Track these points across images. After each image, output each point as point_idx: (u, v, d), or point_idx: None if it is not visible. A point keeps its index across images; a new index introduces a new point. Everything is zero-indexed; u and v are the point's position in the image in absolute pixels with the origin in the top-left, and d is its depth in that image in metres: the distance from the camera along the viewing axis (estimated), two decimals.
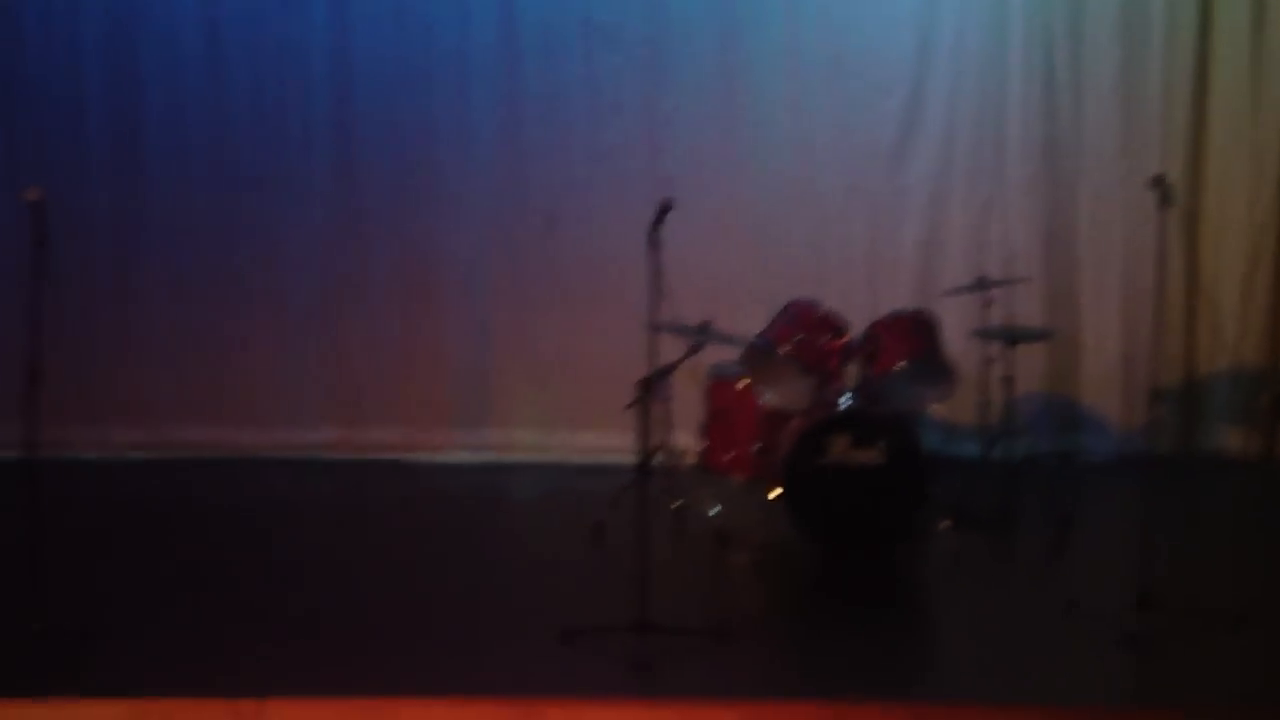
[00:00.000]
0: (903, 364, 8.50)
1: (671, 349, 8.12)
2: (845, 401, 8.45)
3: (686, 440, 9.09)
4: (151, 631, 7.22)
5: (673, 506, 8.84)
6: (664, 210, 7.68)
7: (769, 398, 8.59)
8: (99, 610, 7.41)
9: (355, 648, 7.08)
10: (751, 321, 8.97)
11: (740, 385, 8.76)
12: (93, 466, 9.78)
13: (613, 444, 9.51)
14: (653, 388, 7.41)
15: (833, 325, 8.68)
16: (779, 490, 8.38)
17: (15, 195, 7.15)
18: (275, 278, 10.41)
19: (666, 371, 8.18)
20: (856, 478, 8.28)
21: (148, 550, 8.48)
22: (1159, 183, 7.39)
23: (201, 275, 10.40)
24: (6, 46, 10.23)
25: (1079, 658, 7.03)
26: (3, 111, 10.26)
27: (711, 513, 8.64)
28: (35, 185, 7.12)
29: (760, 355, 8.59)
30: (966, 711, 6.39)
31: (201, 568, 8.22)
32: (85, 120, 10.28)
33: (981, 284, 9.03)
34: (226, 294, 10.40)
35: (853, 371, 8.74)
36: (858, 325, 8.80)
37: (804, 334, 8.59)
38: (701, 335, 8.38)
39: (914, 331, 8.65)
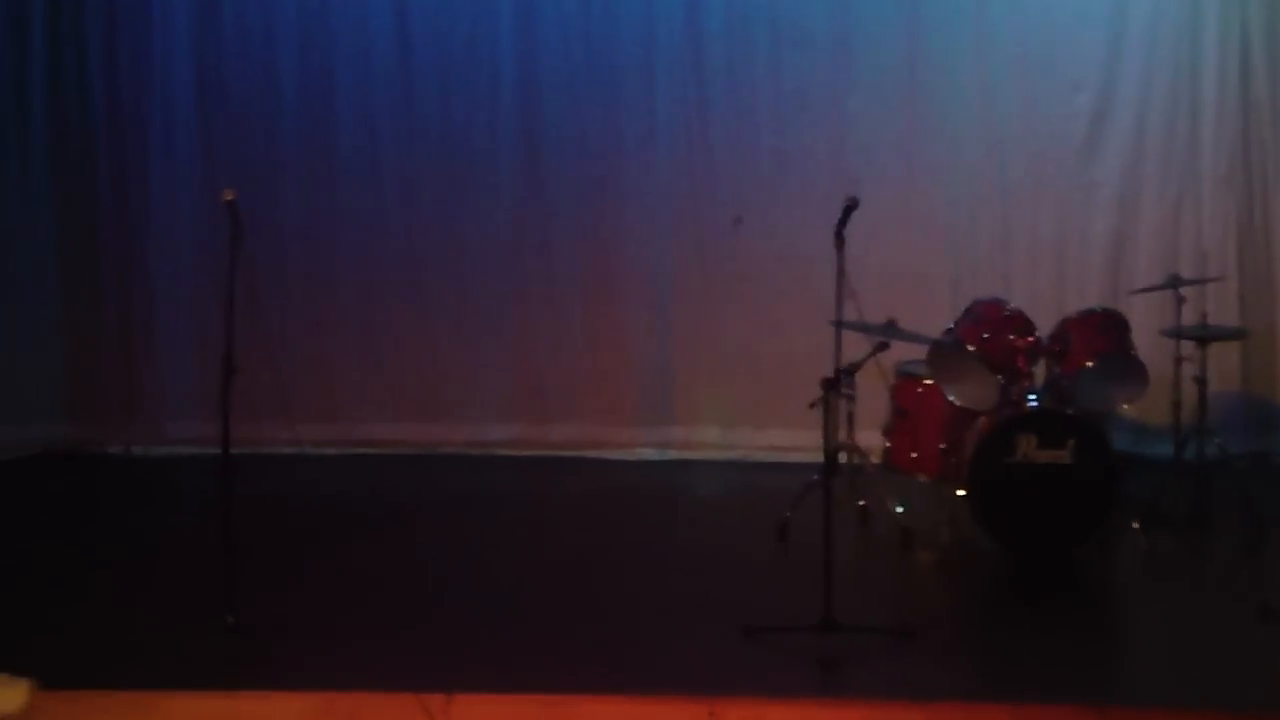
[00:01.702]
0: (1092, 363, 8.38)
1: (856, 347, 8.09)
2: (1033, 400, 8.35)
3: (871, 439, 9.04)
4: (340, 626, 7.33)
5: (858, 505, 8.80)
6: (850, 208, 7.68)
7: (955, 396, 8.52)
8: (290, 605, 7.53)
9: (539, 644, 7.13)
10: (937, 319, 8.89)
11: (926, 384, 8.69)
12: (283, 462, 9.93)
13: (797, 442, 9.51)
14: (838, 386, 7.38)
15: (1020, 323, 8.58)
16: (965, 489, 8.30)
17: (213, 197, 7.29)
18: (462, 277, 10.52)
19: (852, 369, 8.15)
20: (1043, 477, 8.17)
21: (337, 546, 8.61)
22: None
23: (390, 274, 10.54)
24: (207, 54, 10.45)
25: (1272, 664, 6.89)
26: (202, 116, 10.48)
27: (897, 511, 8.59)
28: (230, 187, 7.27)
29: (946, 353, 8.52)
30: (1155, 716, 6.29)
31: (389, 563, 8.33)
32: (280, 124, 10.47)
33: (1173, 282, 8.88)
34: (414, 293, 10.53)
35: (1041, 370, 8.63)
36: (1046, 324, 8.69)
37: (991, 332, 8.50)
38: (887, 333, 8.33)
39: (1104, 330, 8.52)
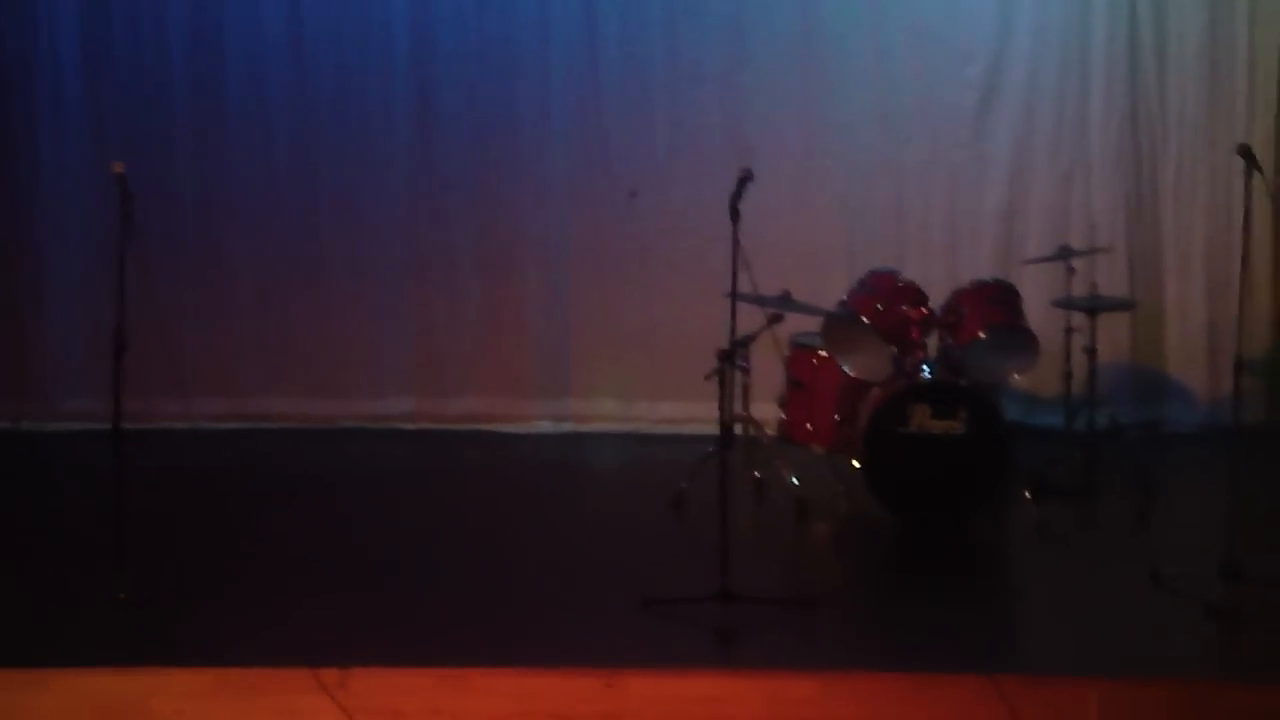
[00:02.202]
0: (984, 334, 8.45)
1: (751, 319, 8.11)
2: (926, 371, 8.41)
3: (767, 410, 9.07)
4: (235, 601, 7.28)
5: (753, 477, 8.84)
6: (744, 180, 7.66)
7: (849, 367, 8.57)
8: (183, 580, 7.48)
9: (436, 617, 7.13)
10: (832, 291, 8.94)
11: (820, 355, 8.74)
12: (176, 436, 9.85)
13: (693, 414, 9.51)
14: (733, 358, 7.40)
15: (913, 295, 8.64)
16: (860, 460, 8.35)
17: (103, 169, 7.21)
18: (356, 249, 10.46)
19: (746, 341, 8.18)
20: (937, 448, 8.24)
21: (231, 520, 8.55)
22: (1245, 150, 7.32)
23: (284, 247, 10.47)
24: (94, 25, 10.30)
25: (1162, 630, 6.99)
26: (90, 87, 10.34)
27: (792, 483, 8.63)
28: (120, 159, 7.19)
29: (841, 325, 8.57)
30: (1048, 683, 6.36)
31: (284, 538, 8.28)
32: (170, 95, 10.35)
33: (1064, 253, 8.97)
34: (308, 265, 10.46)
35: (934, 341, 8.70)
36: (939, 295, 8.75)
37: (884, 304, 8.55)
38: (781, 305, 8.36)
39: (995, 301, 8.59)
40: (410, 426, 10.45)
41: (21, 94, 10.34)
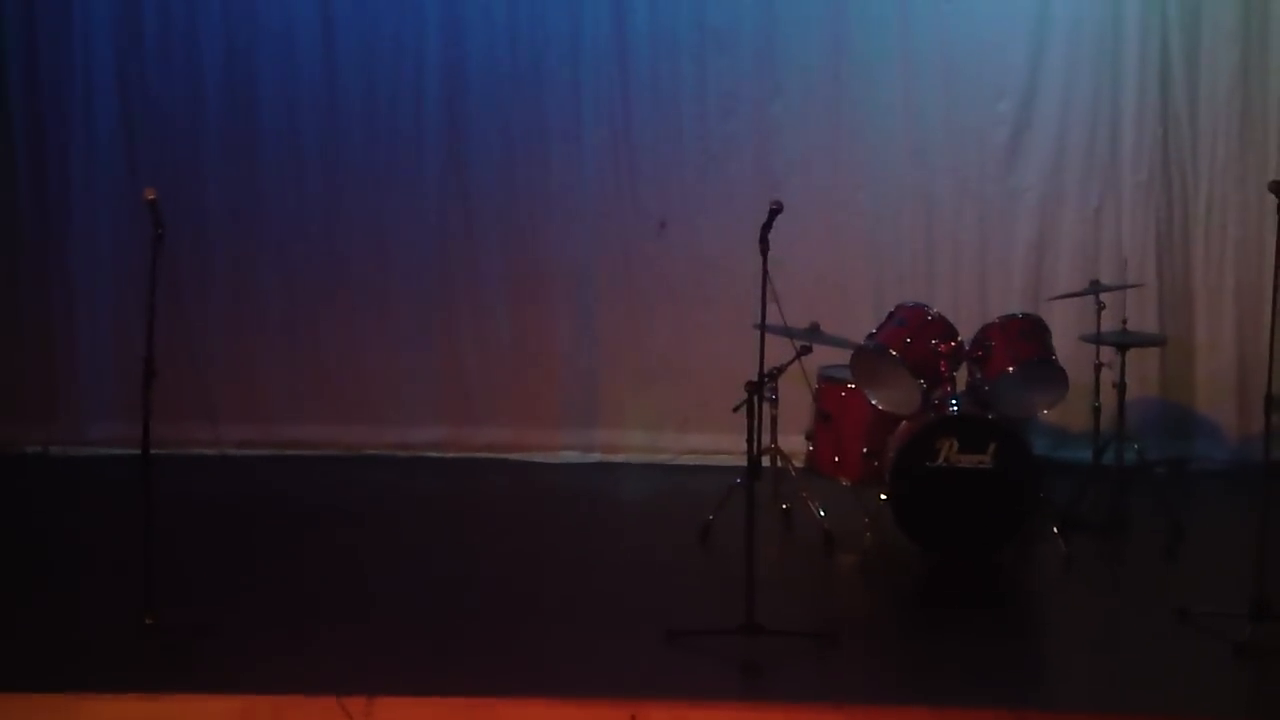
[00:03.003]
0: (1013, 368, 8.44)
1: (780, 351, 8.11)
2: (954, 405, 8.40)
3: (794, 443, 9.06)
4: (261, 628, 7.29)
5: (780, 509, 8.83)
6: (774, 212, 7.68)
7: (878, 400, 8.56)
8: (211, 606, 7.48)
9: (461, 646, 7.12)
10: (860, 324, 8.93)
11: (849, 388, 8.73)
12: (204, 463, 9.87)
13: (720, 445, 9.53)
14: (761, 389, 7.40)
15: (942, 329, 8.62)
16: (887, 493, 8.34)
17: (134, 195, 7.24)
18: (386, 277, 10.49)
19: (775, 374, 8.17)
20: (965, 481, 8.22)
21: (258, 547, 8.57)
22: (1276, 187, 7.29)
23: (313, 274, 10.50)
24: (126, 50, 10.36)
25: (1191, 667, 6.95)
26: (122, 113, 10.39)
27: (820, 515, 8.61)
28: (152, 185, 7.22)
29: (869, 358, 8.56)
30: None
31: (310, 565, 8.29)
32: (202, 122, 10.40)
33: (1093, 288, 8.96)
34: (338, 293, 10.49)
35: (962, 375, 8.68)
36: (968, 329, 8.74)
37: (913, 337, 8.54)
38: (810, 337, 8.36)
39: (1025, 336, 8.58)
40: (438, 455, 10.46)
41: (54, 120, 10.39)
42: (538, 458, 10.42)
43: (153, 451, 7.15)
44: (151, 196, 7.11)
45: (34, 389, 10.51)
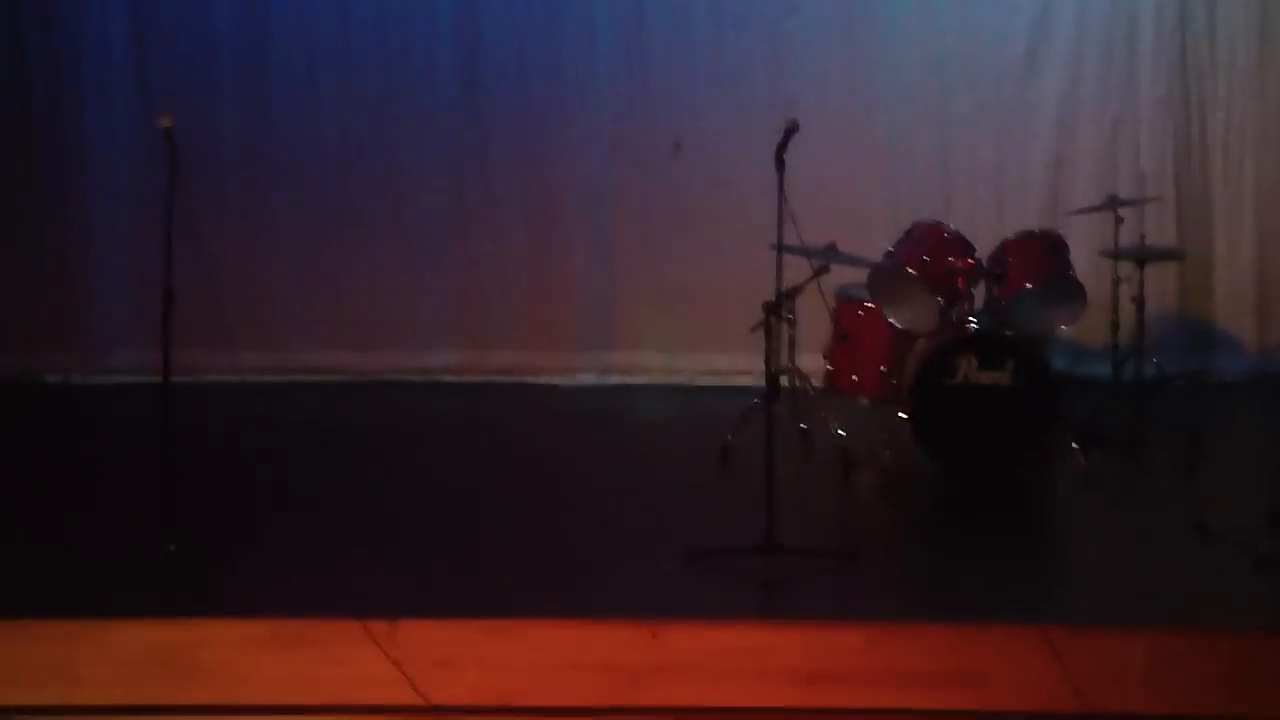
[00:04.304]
0: (1031, 284, 8.41)
1: (797, 271, 8.09)
2: (973, 322, 8.38)
3: (812, 362, 9.05)
4: (282, 553, 7.32)
5: (799, 428, 8.83)
6: (789, 132, 7.64)
7: (895, 319, 8.54)
8: (231, 532, 7.51)
9: (482, 569, 7.15)
10: (878, 243, 8.89)
11: (866, 306, 8.71)
12: (222, 390, 9.88)
13: (738, 366, 9.52)
14: (778, 309, 7.39)
15: (960, 246, 8.60)
16: (906, 411, 8.33)
17: (148, 123, 7.21)
18: (400, 202, 10.48)
19: (792, 293, 8.16)
20: (984, 399, 8.21)
21: (278, 473, 8.58)
22: None
23: (327, 200, 10.48)
24: None
25: (1210, 580, 6.95)
26: (134, 40, 10.36)
27: (838, 434, 8.61)
28: (166, 112, 7.19)
29: (886, 276, 8.54)
30: (1095, 633, 6.35)
31: (330, 490, 8.32)
32: (215, 49, 10.37)
33: (1112, 203, 8.92)
34: (352, 218, 10.47)
35: (980, 293, 8.66)
36: (985, 246, 8.71)
37: (931, 255, 8.51)
38: (827, 257, 8.33)
39: (1043, 252, 8.55)
40: (454, 379, 10.46)
41: (68, 47, 10.35)
42: (554, 380, 10.42)
43: (171, 379, 7.17)
44: (167, 124, 7.08)
45: (53, 319, 10.53)
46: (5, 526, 7.74)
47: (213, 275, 9.87)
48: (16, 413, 9.91)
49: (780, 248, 7.74)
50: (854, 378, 8.79)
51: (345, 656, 6.27)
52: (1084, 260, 8.98)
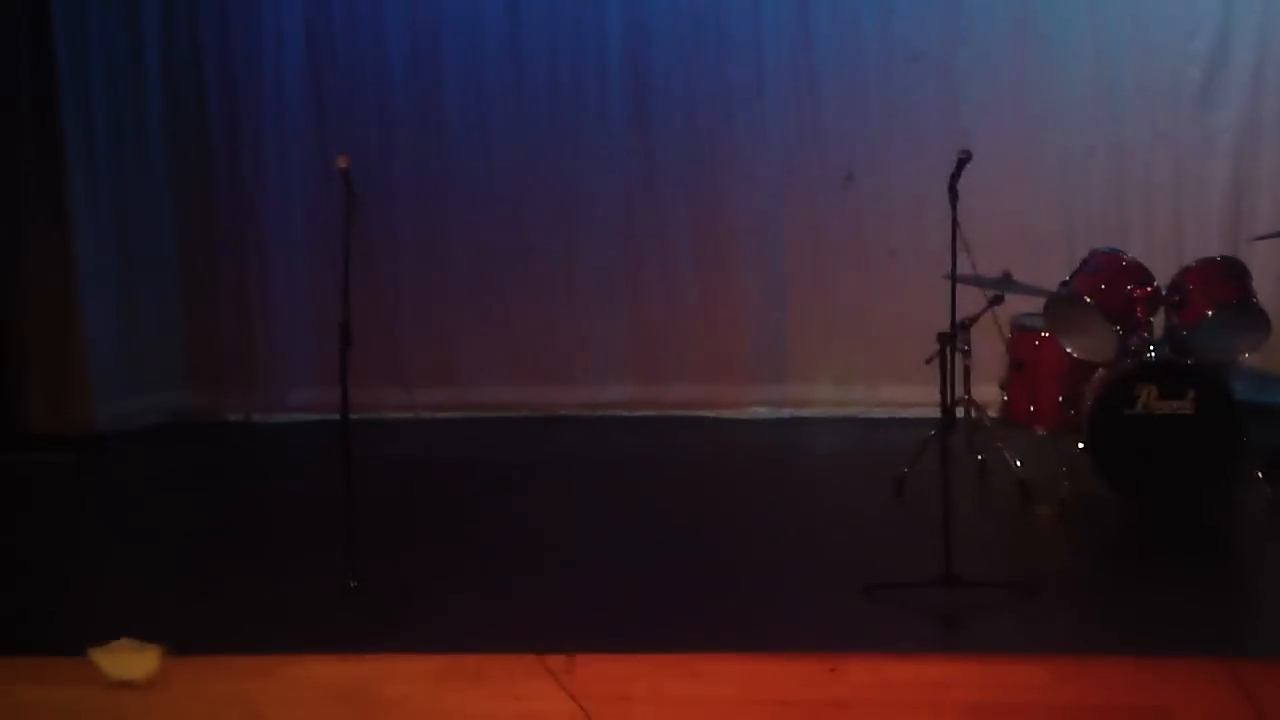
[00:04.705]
0: (1212, 312, 8.27)
1: (972, 301, 8.04)
2: (1152, 351, 8.26)
3: (988, 393, 8.97)
4: (462, 588, 7.38)
5: (976, 460, 8.75)
6: (962, 161, 7.60)
7: (1073, 348, 8.44)
8: (411, 567, 7.59)
9: (658, 604, 7.16)
10: (1053, 272, 8.80)
11: (1043, 336, 8.62)
12: (399, 426, 10.00)
13: (913, 398, 9.46)
14: (953, 340, 7.34)
15: (1138, 273, 8.48)
16: (1085, 442, 8.23)
17: (325, 162, 7.32)
18: (574, 239, 10.53)
19: (967, 324, 8.10)
20: (1165, 428, 8.09)
21: (456, 508, 8.67)
22: None
23: (500, 237, 10.56)
24: (316, 17, 10.48)
25: None
26: (312, 83, 10.52)
27: (1015, 465, 8.52)
28: (343, 153, 7.30)
29: (1063, 305, 8.44)
30: None
31: (508, 525, 8.38)
32: (391, 90, 10.48)
33: None
34: (527, 256, 10.54)
35: (1160, 321, 8.53)
36: (1164, 273, 8.58)
37: (1108, 283, 8.41)
38: (1002, 286, 8.26)
39: (1224, 278, 8.41)
40: (628, 414, 10.49)
41: (247, 89, 10.52)
42: (728, 414, 10.41)
43: (350, 416, 7.26)
44: (344, 165, 7.19)
45: (234, 358, 10.71)
46: (190, 564, 7.89)
47: (388, 313, 10.07)
48: (199, 450, 10.11)
49: (954, 278, 7.69)
50: (1031, 408, 8.70)
51: (524, 691, 6.31)
52: (1267, 286, 8.83)
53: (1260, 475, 8.31)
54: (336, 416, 7.28)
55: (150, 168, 10.52)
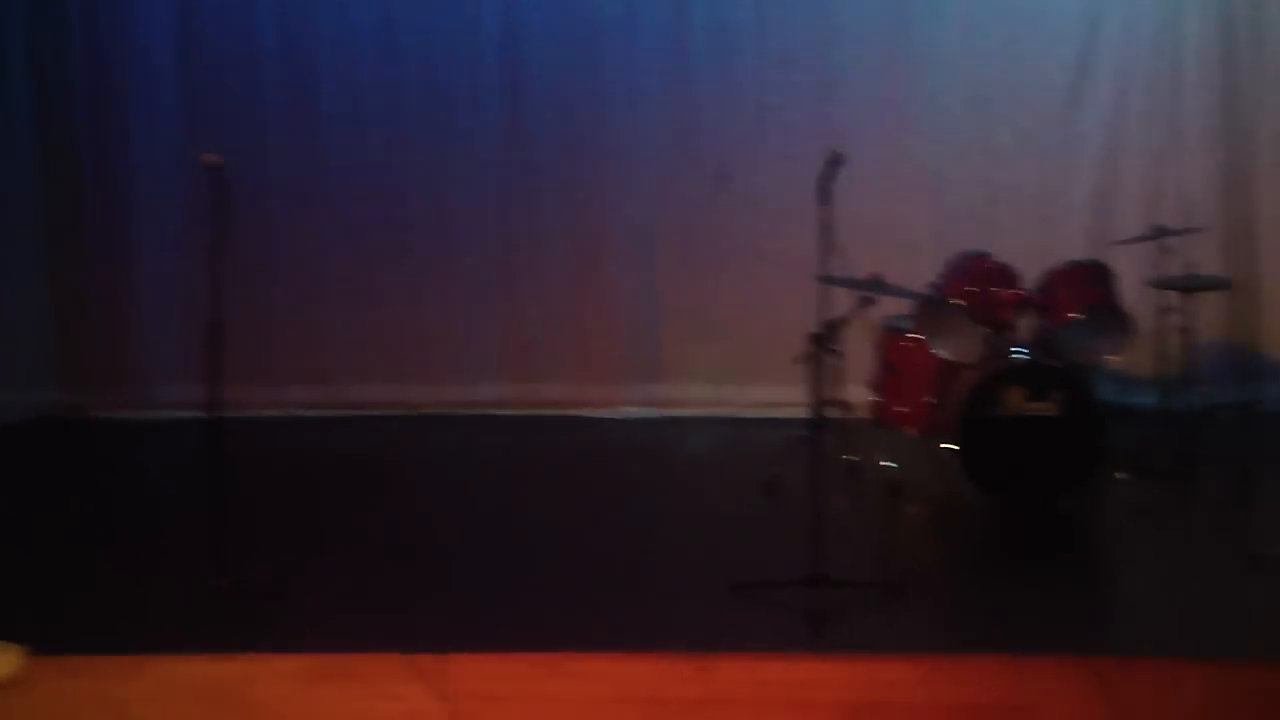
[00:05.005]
0: (1078, 314, 8.39)
1: (842, 302, 8.09)
2: (1019, 353, 8.36)
3: (858, 394, 9.04)
4: (332, 588, 7.34)
5: (845, 460, 8.82)
6: (834, 163, 7.65)
7: (942, 350, 8.53)
8: (281, 567, 7.53)
9: (529, 603, 7.15)
10: (923, 274, 8.89)
11: (912, 338, 8.70)
12: (270, 424, 9.94)
13: (784, 398, 9.51)
14: (824, 341, 7.39)
15: (1006, 276, 8.58)
16: (952, 443, 8.32)
17: (196, 160, 7.26)
18: (448, 237, 10.51)
19: (837, 325, 8.15)
20: (1031, 429, 8.19)
21: (327, 507, 8.63)
22: None
23: (375, 235, 10.52)
24: (186, 12, 10.38)
25: (1263, 612, 6.92)
26: (181, 77, 10.43)
27: (885, 466, 8.60)
28: (214, 150, 7.25)
29: (932, 307, 8.53)
30: (1146, 665, 6.32)
31: (378, 524, 8.34)
32: (261, 85, 10.42)
33: (1158, 232, 8.90)
34: (400, 254, 10.51)
35: (1027, 323, 8.64)
36: (1031, 276, 8.70)
37: (977, 285, 8.50)
38: (872, 288, 8.33)
39: (1089, 281, 8.53)
40: (501, 412, 10.48)
41: (116, 86, 10.42)
42: (601, 414, 10.43)
43: (220, 415, 7.21)
44: (213, 161, 7.14)
45: (104, 355, 10.59)
46: (55, 562, 7.79)
47: (260, 310, 10.01)
48: (67, 448, 9.99)
49: (825, 279, 7.74)
50: (900, 409, 8.79)
51: (393, 691, 6.28)
52: (1131, 290, 8.96)
53: (1123, 476, 8.44)
54: (206, 414, 7.22)
55: (15, 162, 10.38)
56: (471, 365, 10.54)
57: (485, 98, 10.39)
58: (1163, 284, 8.88)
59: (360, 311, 10.56)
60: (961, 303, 8.43)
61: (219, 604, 7.05)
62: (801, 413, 7.63)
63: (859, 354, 8.95)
